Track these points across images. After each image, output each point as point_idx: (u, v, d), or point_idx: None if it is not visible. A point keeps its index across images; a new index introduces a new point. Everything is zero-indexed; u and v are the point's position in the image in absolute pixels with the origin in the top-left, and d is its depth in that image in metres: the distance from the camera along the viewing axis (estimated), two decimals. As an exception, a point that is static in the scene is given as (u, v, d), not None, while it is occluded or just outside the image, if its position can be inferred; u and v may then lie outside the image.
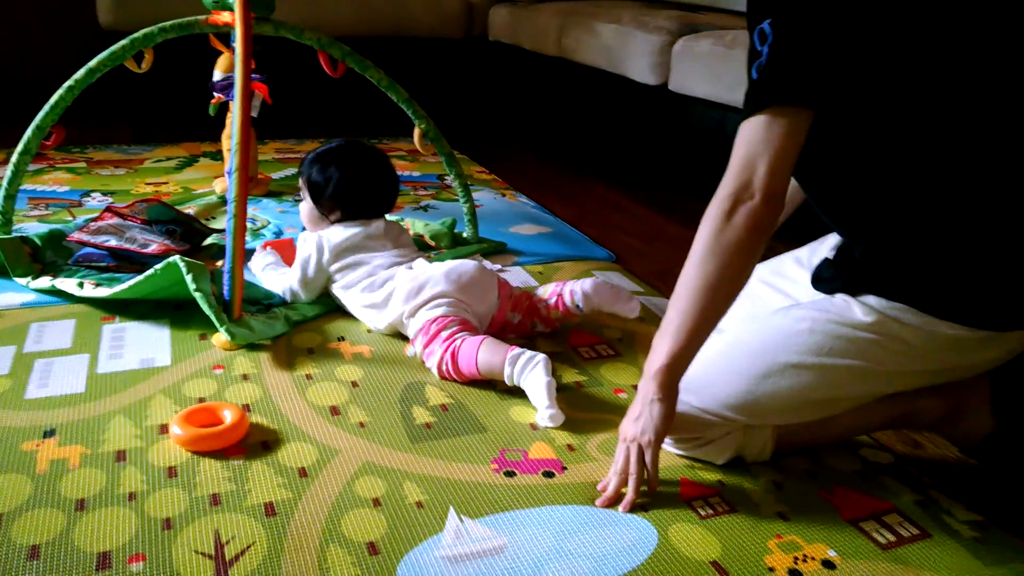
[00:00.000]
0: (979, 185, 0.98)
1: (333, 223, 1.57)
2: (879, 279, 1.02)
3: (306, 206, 1.59)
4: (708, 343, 1.01)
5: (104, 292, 1.45)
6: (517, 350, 1.26)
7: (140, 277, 1.41)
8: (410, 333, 1.41)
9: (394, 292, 1.43)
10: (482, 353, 1.28)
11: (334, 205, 1.56)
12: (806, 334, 1.04)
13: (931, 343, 1.02)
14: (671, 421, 1.03)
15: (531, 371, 1.24)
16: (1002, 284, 1.00)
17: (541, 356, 1.25)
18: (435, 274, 1.42)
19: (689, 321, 0.99)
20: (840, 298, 1.05)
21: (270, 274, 1.59)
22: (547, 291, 1.50)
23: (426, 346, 1.35)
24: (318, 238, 1.52)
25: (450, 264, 1.45)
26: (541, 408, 1.22)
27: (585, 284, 1.46)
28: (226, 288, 1.40)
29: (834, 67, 0.93)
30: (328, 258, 1.50)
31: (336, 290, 1.52)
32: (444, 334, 1.33)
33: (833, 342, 1.03)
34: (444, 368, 1.31)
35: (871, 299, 1.02)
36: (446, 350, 1.31)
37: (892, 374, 1.05)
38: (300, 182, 1.60)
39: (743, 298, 1.00)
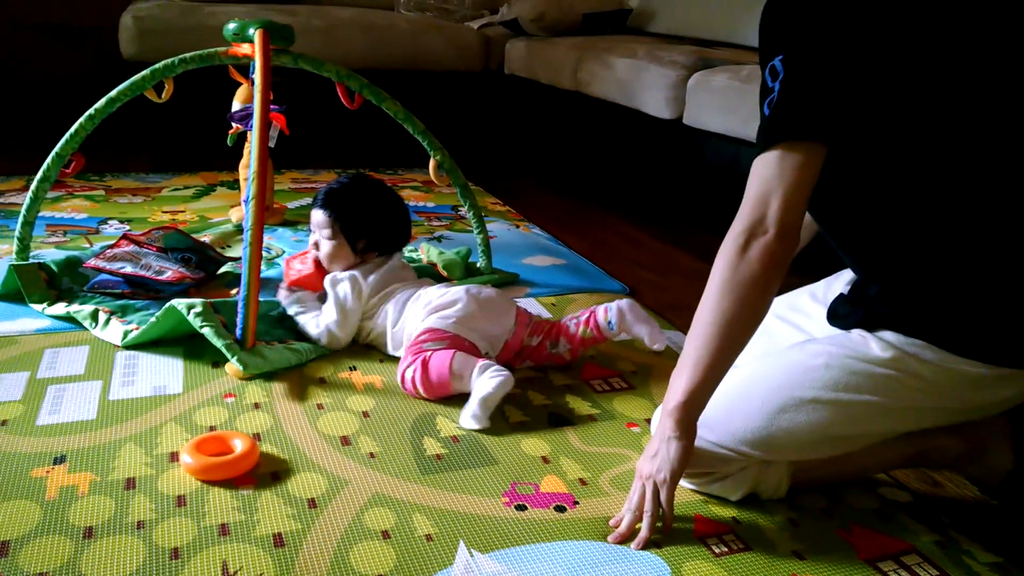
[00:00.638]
0: (998, 220, 0.97)
1: (363, 260, 1.57)
2: (896, 315, 1.01)
3: (333, 243, 1.54)
4: (724, 378, 1.00)
5: (116, 338, 1.46)
6: (489, 362, 1.32)
7: (145, 326, 1.43)
8: None
9: (420, 298, 1.47)
10: (457, 357, 1.32)
11: (369, 242, 1.56)
12: (822, 369, 1.03)
13: (949, 380, 1.00)
14: (688, 459, 1.02)
15: (489, 376, 1.28)
16: (1022, 321, 0.99)
17: (507, 372, 1.29)
18: (458, 287, 1.47)
19: (706, 358, 0.98)
20: (857, 333, 1.04)
21: (302, 318, 1.51)
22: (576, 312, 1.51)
23: (407, 353, 1.38)
24: (351, 278, 1.50)
25: (472, 282, 1.49)
26: (469, 407, 1.27)
27: (621, 303, 1.46)
28: (239, 317, 1.40)
29: (846, 102, 0.93)
30: (366, 295, 1.50)
31: (367, 324, 1.52)
32: (426, 345, 1.36)
33: (850, 378, 1.02)
34: (410, 377, 1.33)
35: (888, 335, 1.01)
36: (417, 358, 1.34)
37: (910, 410, 1.04)
38: (324, 220, 1.54)
39: (758, 334, 1.00)
